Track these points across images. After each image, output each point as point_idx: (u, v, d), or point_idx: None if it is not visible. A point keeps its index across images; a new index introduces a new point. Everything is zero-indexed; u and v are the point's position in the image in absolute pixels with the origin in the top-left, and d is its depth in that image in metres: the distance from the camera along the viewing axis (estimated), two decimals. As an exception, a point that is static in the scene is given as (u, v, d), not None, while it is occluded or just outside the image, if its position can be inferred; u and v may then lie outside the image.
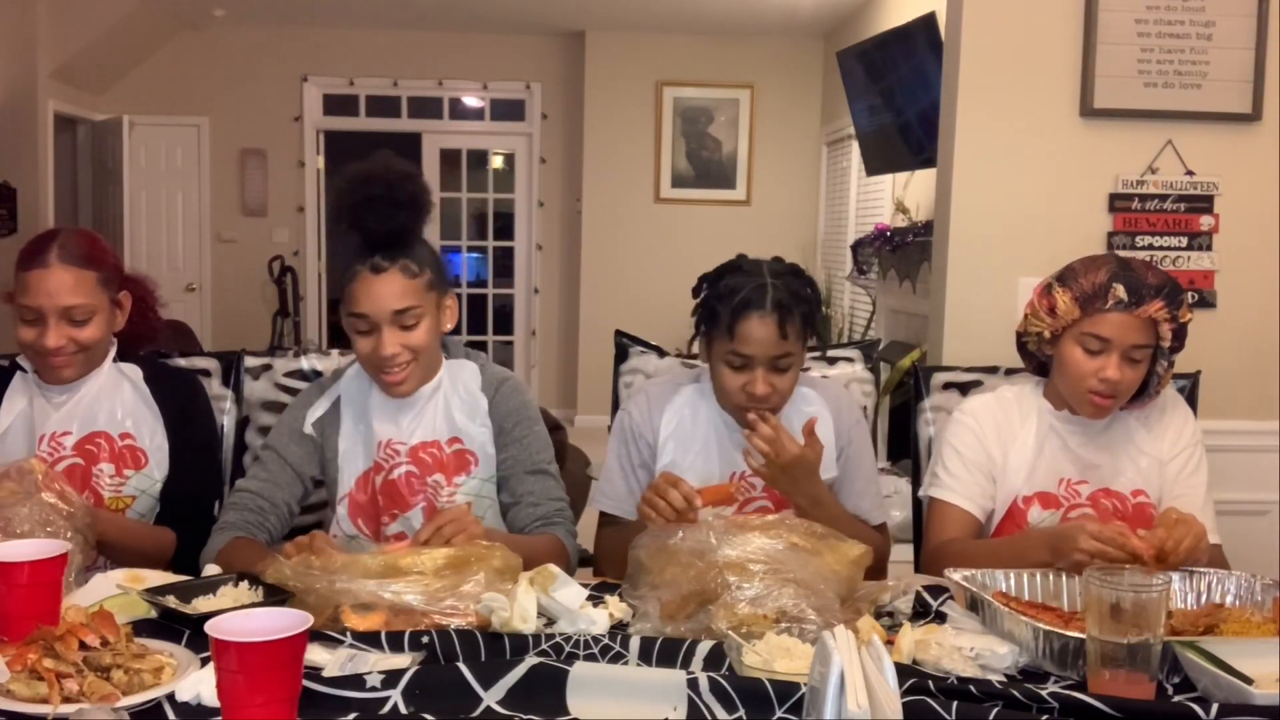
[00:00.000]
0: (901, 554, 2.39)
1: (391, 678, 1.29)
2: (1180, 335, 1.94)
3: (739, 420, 1.99)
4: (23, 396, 2.02)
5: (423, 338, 1.93)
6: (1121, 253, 2.61)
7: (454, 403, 2.01)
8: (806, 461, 1.87)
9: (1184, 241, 3.03)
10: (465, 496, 1.99)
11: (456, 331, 2.10)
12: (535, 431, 2.04)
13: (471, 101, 8.39)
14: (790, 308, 1.90)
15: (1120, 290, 1.89)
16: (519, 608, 1.49)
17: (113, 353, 2.07)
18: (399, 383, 1.94)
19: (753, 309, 1.89)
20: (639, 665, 1.41)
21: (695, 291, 2.01)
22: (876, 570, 1.96)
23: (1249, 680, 1.30)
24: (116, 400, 2.04)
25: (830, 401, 2.07)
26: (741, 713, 1.26)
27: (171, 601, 1.54)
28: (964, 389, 2.31)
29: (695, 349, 2.09)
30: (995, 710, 1.25)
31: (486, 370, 2.06)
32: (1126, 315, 1.89)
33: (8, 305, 1.98)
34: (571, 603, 1.52)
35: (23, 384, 2.04)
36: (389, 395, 1.99)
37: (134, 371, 2.08)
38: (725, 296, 1.92)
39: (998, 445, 2.03)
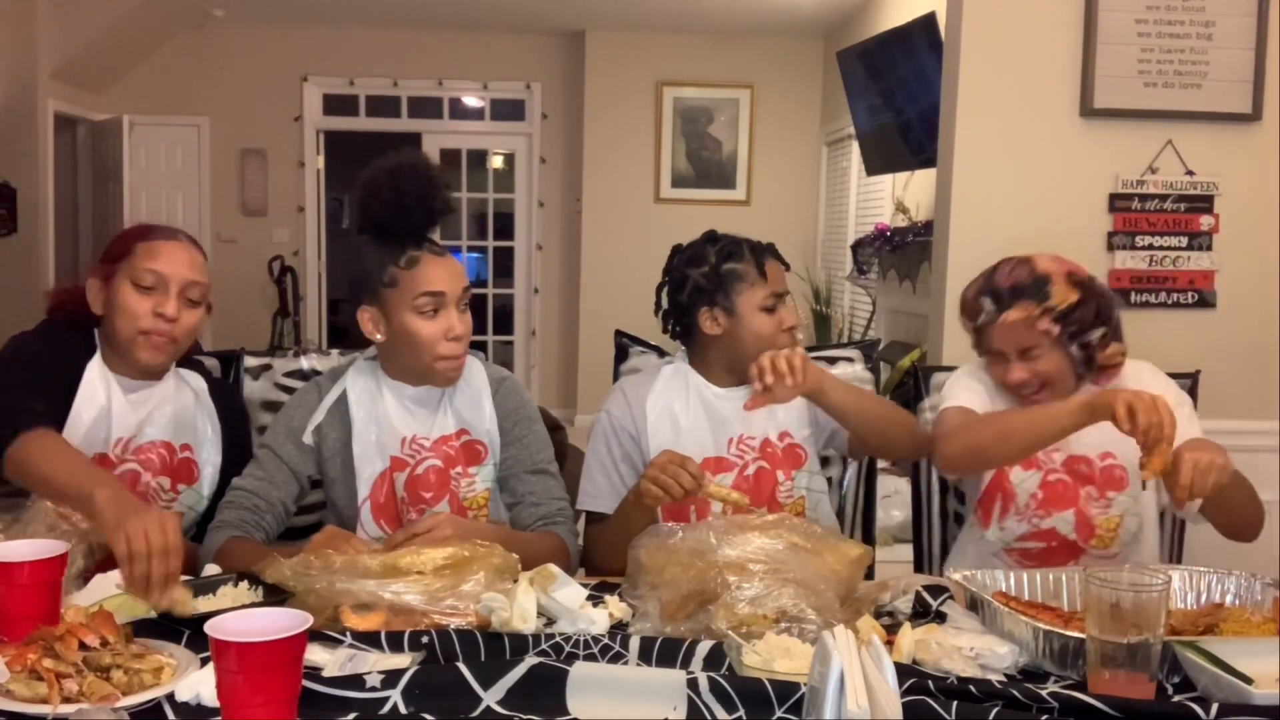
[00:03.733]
0: (902, 554, 2.39)
1: (391, 678, 1.29)
2: (1069, 317, 1.97)
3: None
4: (102, 389, 1.93)
5: (470, 324, 1.97)
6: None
7: (456, 396, 2.01)
8: (804, 358, 1.92)
9: (1184, 241, 3.04)
10: (485, 484, 2.00)
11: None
12: (534, 431, 2.04)
13: (471, 101, 8.39)
14: None
15: (987, 302, 2.01)
16: (519, 608, 1.49)
17: None
18: (459, 366, 1.96)
19: (768, 253, 2.10)
20: (639, 665, 1.41)
21: (678, 284, 2.10)
22: (915, 438, 2.09)
23: (1249, 680, 1.30)
24: (180, 408, 2.01)
25: None
26: (741, 713, 1.26)
27: (171, 601, 1.54)
28: (964, 389, 2.31)
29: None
30: (995, 710, 1.25)
31: (487, 367, 2.07)
32: (997, 328, 2.00)
33: (97, 279, 1.91)
34: (571, 603, 1.52)
35: (100, 375, 1.94)
36: (440, 384, 1.97)
37: (198, 382, 2.05)
38: (735, 253, 2.09)
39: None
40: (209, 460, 2.02)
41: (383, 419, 1.98)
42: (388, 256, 1.92)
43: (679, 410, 2.09)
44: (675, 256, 2.16)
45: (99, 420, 1.92)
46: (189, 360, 2.10)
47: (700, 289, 2.08)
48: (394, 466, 1.97)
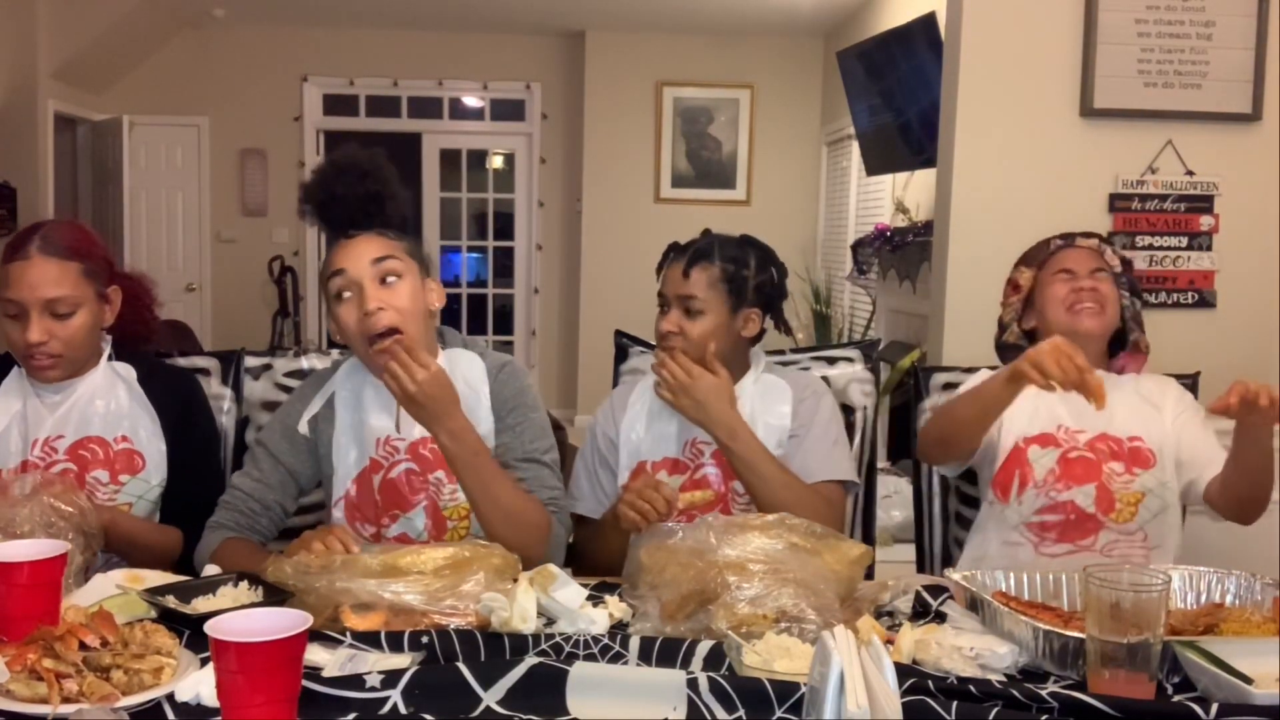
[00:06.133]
0: (902, 554, 2.39)
1: (391, 678, 1.29)
2: (1129, 268, 2.21)
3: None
4: (17, 397, 1.98)
5: (406, 297, 1.85)
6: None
7: None
8: (708, 381, 1.97)
9: (1184, 241, 3.04)
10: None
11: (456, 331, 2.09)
12: (530, 419, 1.96)
13: (471, 101, 8.39)
14: (708, 258, 2.05)
15: (1056, 239, 2.21)
16: (519, 608, 1.49)
17: (107, 351, 2.03)
18: (385, 335, 1.82)
19: (673, 257, 2.10)
20: (639, 665, 1.41)
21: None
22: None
23: (1249, 680, 1.30)
24: (111, 401, 1.99)
25: (795, 390, 2.12)
26: (741, 713, 1.26)
27: (171, 601, 1.54)
28: (964, 389, 2.32)
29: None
30: (995, 710, 1.25)
31: (486, 358, 1.99)
32: (1072, 249, 2.17)
33: None
34: (571, 602, 1.52)
35: (17, 382, 1.99)
36: (378, 367, 1.89)
37: (128, 371, 2.03)
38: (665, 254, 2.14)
39: None
40: (152, 448, 2.00)
41: (361, 416, 1.95)
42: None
43: (655, 409, 2.10)
44: None
45: (15, 428, 1.96)
46: (134, 354, 2.07)
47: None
48: (372, 467, 1.93)
